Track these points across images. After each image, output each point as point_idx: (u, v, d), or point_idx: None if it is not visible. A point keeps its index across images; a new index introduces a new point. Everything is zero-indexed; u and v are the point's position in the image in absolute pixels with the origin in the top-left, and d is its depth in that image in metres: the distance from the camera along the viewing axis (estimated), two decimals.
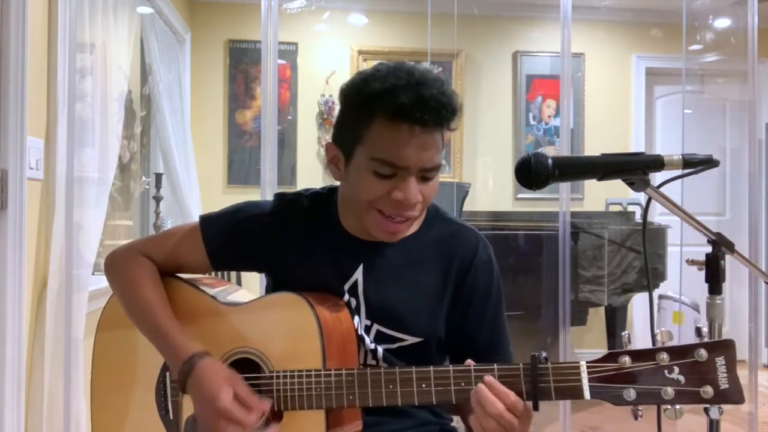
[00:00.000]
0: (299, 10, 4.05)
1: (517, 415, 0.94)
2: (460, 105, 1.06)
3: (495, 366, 0.97)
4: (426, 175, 1.07)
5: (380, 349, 1.15)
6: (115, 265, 1.24)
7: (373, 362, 1.16)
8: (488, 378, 0.96)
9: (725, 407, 0.91)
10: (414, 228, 1.20)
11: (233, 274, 3.25)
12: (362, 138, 1.06)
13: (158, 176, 3.42)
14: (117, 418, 1.24)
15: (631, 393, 0.90)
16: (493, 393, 0.94)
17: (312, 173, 4.17)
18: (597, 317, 3.55)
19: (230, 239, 1.21)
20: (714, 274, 0.98)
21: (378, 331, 1.15)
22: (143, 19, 3.16)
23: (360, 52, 4.20)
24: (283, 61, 4.10)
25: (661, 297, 3.55)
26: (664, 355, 0.90)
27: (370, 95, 1.04)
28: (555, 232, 2.64)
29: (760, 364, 3.53)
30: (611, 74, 4.48)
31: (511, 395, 0.94)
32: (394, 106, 1.01)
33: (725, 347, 0.89)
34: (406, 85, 1.01)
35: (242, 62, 4.17)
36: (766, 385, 3.88)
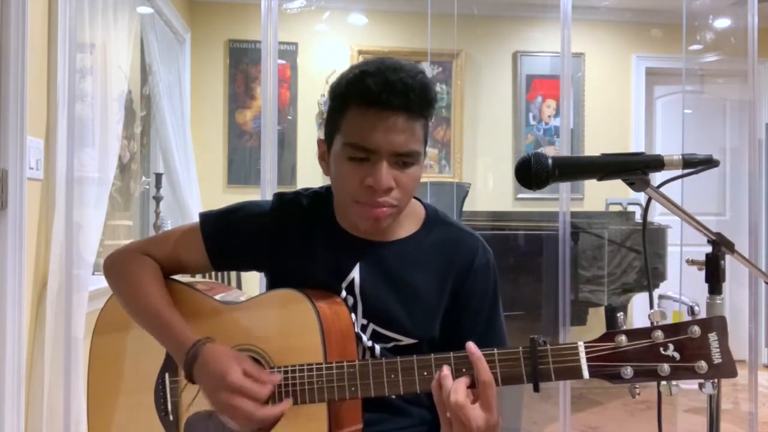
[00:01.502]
0: (299, 10, 4.05)
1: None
2: (433, 92, 1.08)
3: (495, 350, 0.98)
4: (400, 161, 1.07)
5: (378, 347, 1.15)
6: (117, 264, 1.24)
7: (367, 359, 1.16)
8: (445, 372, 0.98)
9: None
10: (412, 229, 1.20)
11: (233, 275, 3.25)
12: (339, 127, 1.10)
13: (158, 176, 3.42)
14: (114, 421, 1.23)
15: (628, 371, 0.92)
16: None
17: (312, 173, 4.16)
18: (597, 317, 3.55)
19: (229, 238, 1.21)
20: (714, 274, 0.99)
21: (374, 330, 1.16)
22: (143, 19, 3.16)
23: (360, 52, 4.20)
24: (283, 61, 4.10)
25: (661, 297, 3.54)
26: (659, 333, 0.92)
27: (344, 85, 1.09)
28: (555, 232, 2.63)
29: (760, 364, 3.53)
30: (611, 74, 4.48)
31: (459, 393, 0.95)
32: (362, 92, 1.04)
33: (717, 323, 0.91)
34: (374, 71, 1.05)
35: (242, 62, 4.17)
36: (766, 385, 3.88)
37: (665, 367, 0.91)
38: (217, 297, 1.22)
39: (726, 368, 0.90)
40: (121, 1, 2.54)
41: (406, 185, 1.09)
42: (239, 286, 3.29)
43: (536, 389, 0.96)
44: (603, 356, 0.94)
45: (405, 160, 1.07)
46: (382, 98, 1.03)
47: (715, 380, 0.91)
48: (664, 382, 0.91)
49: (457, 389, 0.95)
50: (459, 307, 1.18)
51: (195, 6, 4.14)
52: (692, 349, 0.91)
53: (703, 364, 0.90)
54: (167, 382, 1.19)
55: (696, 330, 0.91)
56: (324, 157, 1.18)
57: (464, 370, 0.98)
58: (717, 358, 0.90)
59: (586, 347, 0.95)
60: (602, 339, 0.95)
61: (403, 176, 1.08)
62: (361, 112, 1.05)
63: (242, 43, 4.16)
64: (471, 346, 0.98)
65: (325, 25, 4.24)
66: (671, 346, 0.91)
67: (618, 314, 0.96)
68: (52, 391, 2.02)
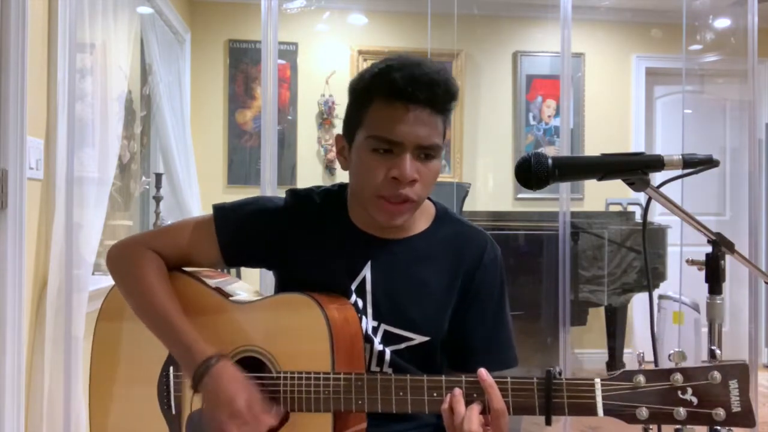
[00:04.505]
0: (299, 10, 4.05)
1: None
2: (456, 88, 1.09)
3: (508, 378, 0.97)
4: (423, 153, 1.08)
5: (388, 351, 1.15)
6: (121, 258, 1.22)
7: (377, 369, 1.15)
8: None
9: (734, 429, 0.92)
10: (423, 226, 1.20)
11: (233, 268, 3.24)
12: (362, 121, 1.10)
13: (158, 176, 3.41)
14: (115, 410, 1.23)
15: (643, 412, 0.90)
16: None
17: (312, 173, 4.17)
18: (597, 317, 3.55)
19: (243, 231, 1.20)
20: (714, 274, 0.99)
21: (385, 331, 1.15)
22: (143, 19, 3.16)
23: (360, 52, 4.20)
24: (283, 61, 4.10)
25: (661, 297, 3.54)
26: (678, 376, 0.90)
27: (368, 79, 1.10)
28: (555, 232, 2.63)
29: (760, 364, 3.53)
30: (611, 74, 4.48)
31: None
32: (388, 85, 1.05)
33: (739, 370, 0.89)
34: (399, 66, 1.06)
35: (242, 62, 4.17)
36: (766, 385, 3.88)
37: (681, 412, 0.89)
38: (217, 283, 1.22)
39: (744, 417, 0.88)
40: (121, 1, 2.53)
41: (427, 179, 1.10)
42: (238, 275, 3.29)
43: (548, 422, 0.95)
44: (619, 395, 0.92)
45: (427, 152, 1.09)
46: (408, 91, 1.04)
47: (731, 429, 0.90)
48: (678, 426, 0.90)
49: (471, 418, 0.94)
50: (467, 303, 1.18)
51: (195, 6, 4.14)
52: (711, 396, 0.89)
53: (720, 411, 0.88)
54: (171, 376, 1.18)
55: (717, 376, 0.89)
56: (342, 153, 1.18)
57: (475, 395, 0.97)
58: (736, 407, 0.88)
59: (602, 385, 0.93)
60: (620, 378, 0.93)
61: (424, 169, 1.09)
62: (386, 105, 1.06)
63: (242, 43, 4.16)
64: (483, 372, 0.98)
65: (325, 25, 4.24)
66: (690, 390, 0.89)
67: (637, 353, 0.94)
68: (52, 391, 2.02)
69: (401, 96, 1.04)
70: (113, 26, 2.45)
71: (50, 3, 2.06)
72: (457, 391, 0.97)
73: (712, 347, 0.93)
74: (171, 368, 1.18)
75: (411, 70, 1.05)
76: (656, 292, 3.46)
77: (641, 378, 0.91)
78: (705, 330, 1.00)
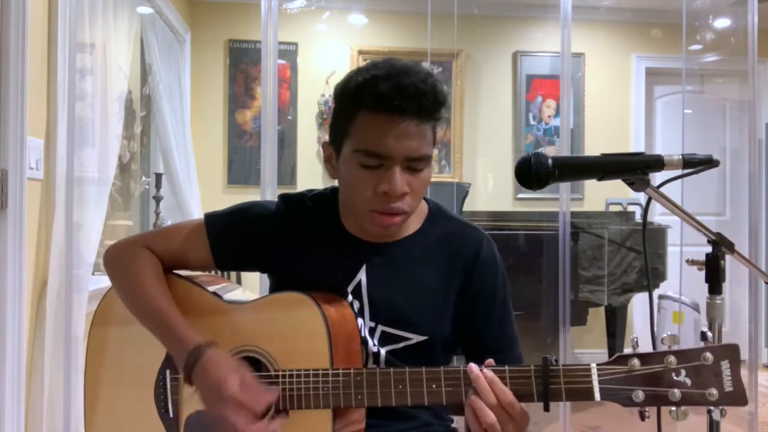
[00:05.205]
0: (299, 10, 4.05)
1: (512, 415, 0.95)
2: (443, 95, 1.07)
3: (506, 367, 0.97)
4: (413, 165, 1.06)
5: (383, 351, 1.15)
6: (118, 256, 1.23)
7: (374, 367, 1.15)
8: (488, 372, 0.96)
9: (727, 409, 0.92)
10: (416, 226, 1.20)
11: (233, 272, 3.25)
12: (348, 132, 1.08)
13: (158, 176, 3.42)
14: (112, 415, 1.23)
15: (639, 395, 0.92)
16: (492, 387, 0.95)
17: (312, 173, 4.17)
18: (597, 317, 3.55)
19: (234, 238, 1.21)
20: (714, 274, 0.99)
21: (383, 332, 1.15)
22: (143, 19, 3.16)
23: (360, 52, 4.20)
24: (283, 61, 4.10)
25: (661, 297, 3.54)
26: (672, 359, 0.92)
27: (353, 89, 1.06)
28: (555, 232, 2.63)
29: (760, 364, 3.53)
30: (611, 74, 4.48)
31: (509, 394, 0.95)
32: (374, 96, 1.02)
33: (730, 351, 0.91)
34: (386, 75, 1.03)
35: (242, 62, 4.17)
36: (766, 385, 3.88)
37: (676, 393, 0.91)
38: (216, 289, 1.22)
39: (737, 396, 0.90)
40: (121, 1, 2.54)
41: (417, 189, 1.09)
42: (239, 281, 3.29)
43: (546, 408, 0.95)
44: (615, 379, 0.93)
45: (417, 165, 1.07)
46: (395, 104, 1.01)
47: (724, 408, 0.91)
48: (673, 408, 0.91)
49: (504, 389, 0.95)
50: (469, 303, 1.17)
51: (195, 6, 4.14)
52: (704, 376, 0.91)
53: (714, 391, 0.90)
54: (168, 378, 1.18)
55: (709, 357, 0.91)
56: (330, 160, 1.17)
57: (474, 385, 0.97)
58: (728, 386, 0.90)
59: (598, 369, 0.94)
60: (615, 362, 0.94)
61: (415, 180, 1.07)
62: (372, 117, 1.04)
63: (242, 43, 4.16)
64: (474, 369, 0.97)
65: (325, 25, 4.24)
66: (683, 372, 0.91)
67: (632, 337, 0.96)
68: (52, 391, 2.02)
69: (388, 108, 1.02)
70: (113, 26, 2.45)
71: (50, 3, 2.06)
72: (474, 367, 0.96)
73: (704, 329, 0.94)
74: (168, 371, 1.18)
75: (398, 81, 1.02)
76: (656, 292, 3.46)
77: (636, 362, 0.93)
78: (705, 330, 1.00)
